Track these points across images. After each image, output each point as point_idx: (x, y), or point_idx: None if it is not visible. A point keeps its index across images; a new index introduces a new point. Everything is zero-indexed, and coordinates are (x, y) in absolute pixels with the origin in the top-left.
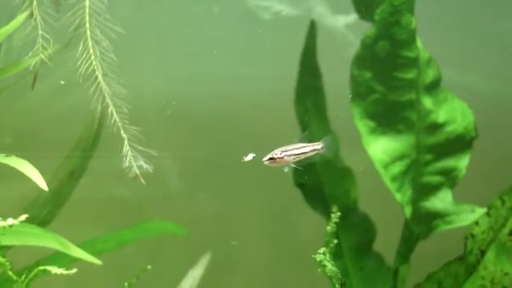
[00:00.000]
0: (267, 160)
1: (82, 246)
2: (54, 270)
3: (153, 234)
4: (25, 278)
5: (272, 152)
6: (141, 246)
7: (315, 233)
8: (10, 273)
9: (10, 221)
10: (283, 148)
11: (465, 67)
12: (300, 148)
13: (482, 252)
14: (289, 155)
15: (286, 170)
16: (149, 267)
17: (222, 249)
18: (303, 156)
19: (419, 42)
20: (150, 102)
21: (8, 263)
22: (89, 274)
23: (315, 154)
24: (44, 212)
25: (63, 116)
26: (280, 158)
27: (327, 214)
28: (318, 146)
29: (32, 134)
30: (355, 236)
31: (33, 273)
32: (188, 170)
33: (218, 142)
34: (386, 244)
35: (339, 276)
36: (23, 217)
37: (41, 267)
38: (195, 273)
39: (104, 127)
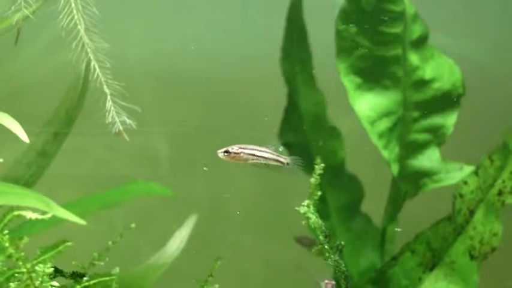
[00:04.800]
0: (222, 153)
1: (66, 207)
2: (29, 214)
3: (138, 195)
4: None
5: (229, 146)
6: (129, 210)
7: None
8: None
9: None
10: (244, 145)
11: (452, 29)
12: (261, 151)
13: (471, 212)
14: (247, 154)
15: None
16: (133, 225)
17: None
18: (262, 160)
19: None
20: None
21: None
22: (75, 238)
23: (280, 167)
24: (28, 173)
25: (48, 80)
26: (236, 153)
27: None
28: (283, 159)
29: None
30: (343, 197)
31: (7, 218)
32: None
33: (207, 105)
34: (374, 205)
35: (323, 228)
36: None
37: (16, 212)
38: (182, 233)
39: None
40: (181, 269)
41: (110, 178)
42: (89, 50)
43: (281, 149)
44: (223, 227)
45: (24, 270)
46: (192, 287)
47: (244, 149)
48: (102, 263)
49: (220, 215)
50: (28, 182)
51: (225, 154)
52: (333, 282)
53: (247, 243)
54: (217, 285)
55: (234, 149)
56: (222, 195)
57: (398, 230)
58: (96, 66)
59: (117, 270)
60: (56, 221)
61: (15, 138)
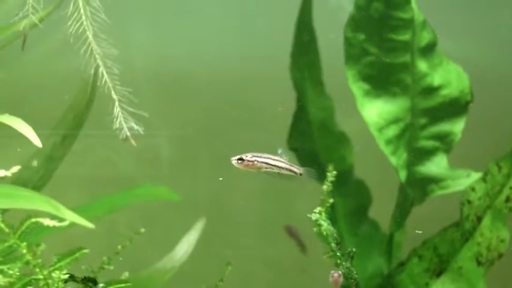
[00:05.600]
0: (236, 160)
1: (74, 210)
2: (47, 222)
3: (145, 199)
4: (17, 230)
5: (243, 154)
6: (135, 213)
7: (310, 205)
8: (2, 225)
9: (2, 172)
10: (259, 154)
11: (459, 34)
12: (275, 160)
13: (479, 219)
14: (261, 162)
15: None
16: (143, 230)
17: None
18: (276, 170)
19: (414, 4)
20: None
21: None
22: (76, 239)
23: (292, 176)
24: (36, 177)
25: (56, 84)
26: (249, 161)
27: (322, 179)
28: (297, 169)
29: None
30: (351, 202)
31: (25, 225)
32: (182, 141)
33: (212, 110)
34: (382, 210)
35: (335, 235)
36: (16, 168)
37: (33, 219)
38: (190, 238)
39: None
40: (184, 272)
41: (116, 180)
42: (97, 55)
43: (279, 151)
44: (226, 229)
45: (41, 277)
46: None
47: (258, 157)
48: (111, 267)
49: (224, 217)
50: (36, 186)
51: (239, 162)
52: (340, 273)
53: (250, 245)
54: None
55: (248, 156)
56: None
57: (419, 232)
58: (104, 72)
59: (126, 274)
60: (66, 225)
61: (24, 142)
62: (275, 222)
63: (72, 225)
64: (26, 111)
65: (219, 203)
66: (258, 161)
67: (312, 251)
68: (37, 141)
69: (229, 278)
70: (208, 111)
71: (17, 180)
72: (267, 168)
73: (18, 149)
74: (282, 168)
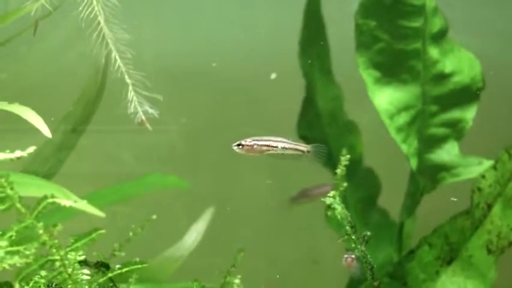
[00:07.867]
0: (236, 146)
1: (84, 199)
2: (64, 202)
3: (155, 187)
4: (33, 210)
5: (243, 139)
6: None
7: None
8: (18, 205)
9: (18, 153)
10: (258, 137)
11: (470, 26)
12: (278, 141)
13: (489, 206)
14: (261, 145)
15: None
16: (154, 216)
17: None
18: (279, 151)
19: None
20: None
21: (16, 196)
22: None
23: (299, 156)
24: (46, 166)
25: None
26: (249, 145)
27: (331, 168)
28: (303, 147)
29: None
30: (360, 191)
31: (41, 205)
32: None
33: (220, 103)
34: (391, 199)
35: (349, 219)
36: (32, 148)
37: (50, 200)
38: (199, 227)
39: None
40: (190, 264)
41: (122, 175)
42: (109, 41)
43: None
44: (232, 223)
45: (57, 257)
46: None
47: (257, 140)
48: (123, 254)
49: (231, 210)
50: (46, 175)
51: (239, 147)
52: (353, 256)
53: (255, 239)
54: (239, 276)
55: (247, 141)
56: (265, 182)
57: (455, 199)
58: (117, 57)
59: (137, 260)
60: (73, 212)
61: (34, 131)
62: (284, 215)
63: (81, 213)
64: (37, 101)
65: (226, 197)
66: (257, 144)
67: (324, 242)
68: (47, 132)
69: (238, 270)
70: (216, 105)
71: (26, 170)
72: (269, 150)
73: (28, 139)
74: (286, 148)
